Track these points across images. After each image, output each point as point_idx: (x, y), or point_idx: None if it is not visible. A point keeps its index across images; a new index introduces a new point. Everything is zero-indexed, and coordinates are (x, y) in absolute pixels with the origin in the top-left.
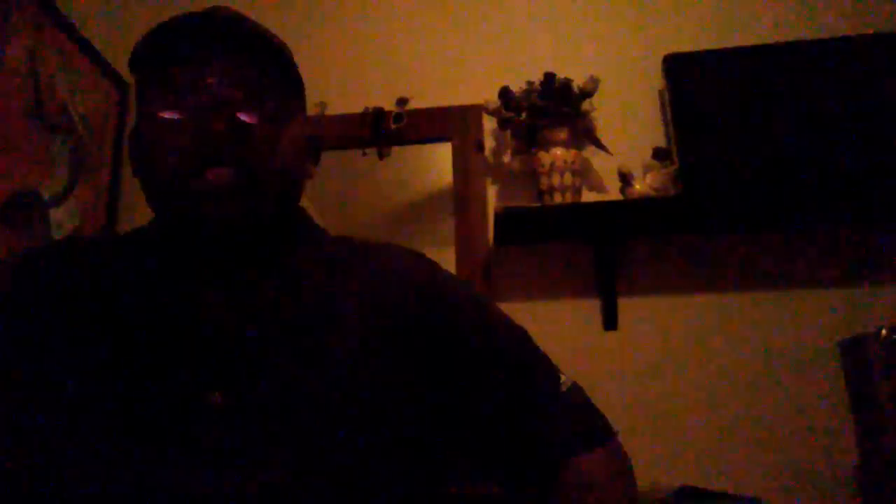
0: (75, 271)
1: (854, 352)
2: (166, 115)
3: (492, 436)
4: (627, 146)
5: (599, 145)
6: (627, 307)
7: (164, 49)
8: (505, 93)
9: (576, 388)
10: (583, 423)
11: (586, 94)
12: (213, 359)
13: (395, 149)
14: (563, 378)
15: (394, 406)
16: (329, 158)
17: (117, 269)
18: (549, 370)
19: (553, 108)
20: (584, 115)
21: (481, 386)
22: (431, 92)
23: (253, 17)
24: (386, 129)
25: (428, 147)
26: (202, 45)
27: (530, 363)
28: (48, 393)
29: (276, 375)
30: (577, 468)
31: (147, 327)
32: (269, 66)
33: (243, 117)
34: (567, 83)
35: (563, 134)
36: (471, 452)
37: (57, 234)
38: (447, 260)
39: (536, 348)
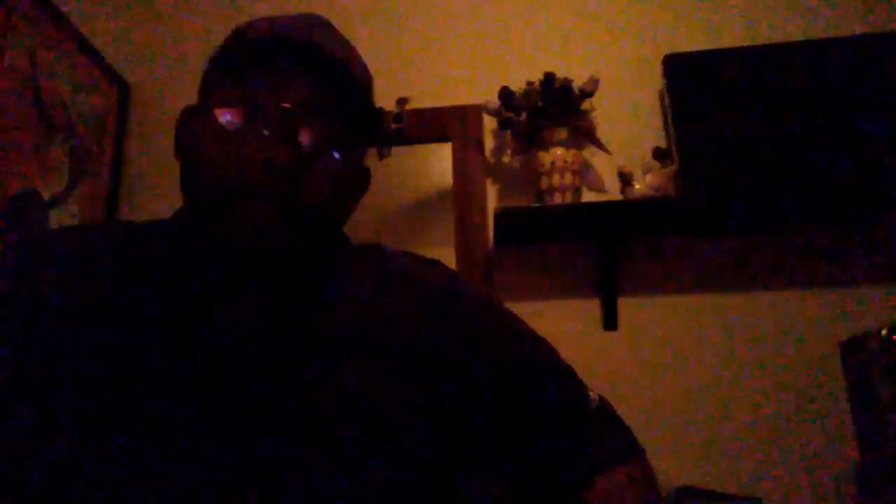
0: (97, 259)
1: (854, 352)
2: (229, 123)
3: (519, 450)
4: (627, 146)
5: (599, 145)
6: (627, 307)
7: (247, 58)
8: (505, 93)
9: (604, 404)
10: (610, 440)
11: (586, 94)
12: (237, 381)
13: (395, 149)
14: (591, 394)
15: (419, 423)
16: None
17: (144, 263)
18: (577, 386)
19: (553, 108)
20: (584, 115)
21: (511, 401)
22: (431, 92)
23: (253, 17)
24: (386, 129)
25: (428, 147)
26: (284, 63)
27: (559, 379)
28: (48, 383)
29: (301, 393)
30: (604, 486)
31: (167, 333)
32: (346, 96)
33: (306, 147)
34: (567, 83)
35: (563, 134)
36: (493, 466)
37: None
38: (447, 260)
39: (564, 363)
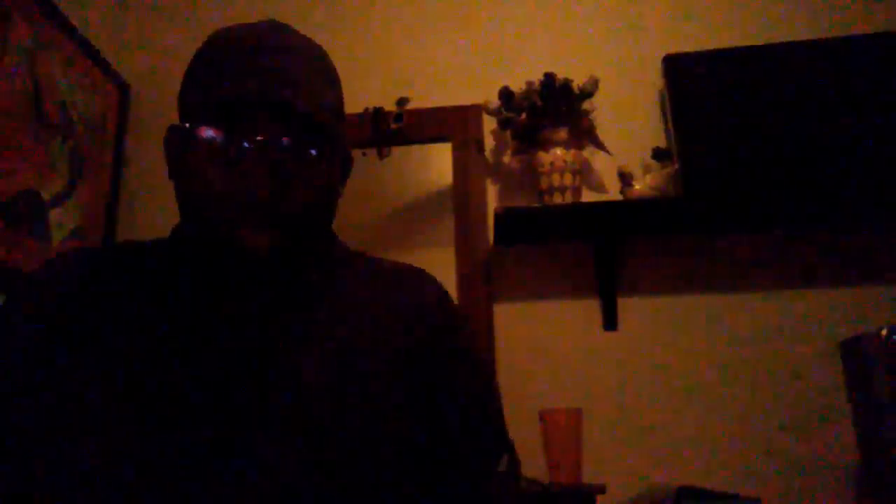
0: (122, 278)
1: (854, 352)
2: (216, 160)
3: (431, 481)
4: (627, 146)
5: (599, 145)
6: (627, 307)
7: (220, 95)
8: (505, 93)
9: (513, 462)
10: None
11: (586, 94)
12: (239, 363)
13: (395, 149)
14: (505, 457)
15: (392, 421)
16: None
17: (156, 279)
18: (502, 442)
19: (553, 108)
20: (584, 115)
21: (447, 433)
22: (431, 92)
23: (252, 17)
24: (386, 129)
25: (428, 147)
26: (257, 95)
27: (490, 429)
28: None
29: (295, 383)
30: None
31: (182, 334)
32: (321, 110)
33: (289, 171)
34: (567, 83)
35: (563, 134)
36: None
37: (57, 235)
38: (447, 260)
39: (502, 418)
